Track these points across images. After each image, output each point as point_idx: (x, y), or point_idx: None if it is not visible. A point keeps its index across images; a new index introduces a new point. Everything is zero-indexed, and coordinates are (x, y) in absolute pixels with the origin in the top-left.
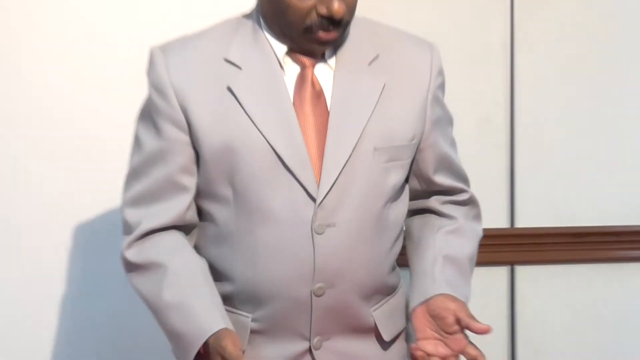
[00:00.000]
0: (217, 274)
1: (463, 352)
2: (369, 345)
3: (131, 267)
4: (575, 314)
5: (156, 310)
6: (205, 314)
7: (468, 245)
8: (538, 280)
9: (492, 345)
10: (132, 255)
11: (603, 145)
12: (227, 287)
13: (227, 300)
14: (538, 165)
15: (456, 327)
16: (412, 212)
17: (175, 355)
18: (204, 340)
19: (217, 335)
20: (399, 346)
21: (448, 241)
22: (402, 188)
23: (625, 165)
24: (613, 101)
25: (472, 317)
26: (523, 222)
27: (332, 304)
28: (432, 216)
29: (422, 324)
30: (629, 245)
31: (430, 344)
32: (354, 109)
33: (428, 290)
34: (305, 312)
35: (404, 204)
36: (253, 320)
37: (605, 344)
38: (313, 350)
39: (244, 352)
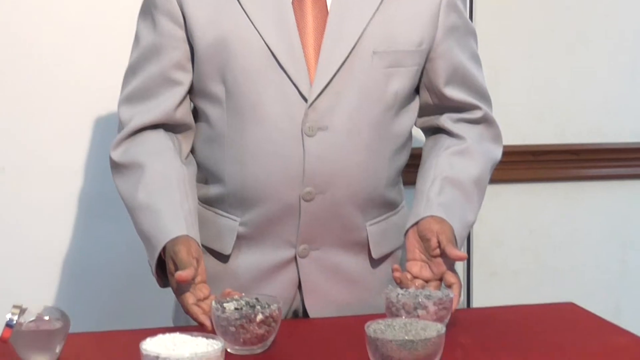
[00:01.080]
0: (210, 176)
1: (442, 277)
2: (358, 261)
3: (115, 166)
4: (532, 234)
5: (131, 210)
6: (169, 218)
7: (475, 168)
8: (494, 200)
9: None
10: (118, 155)
11: (562, 62)
12: (218, 189)
13: (218, 203)
14: (497, 84)
15: (438, 251)
16: (427, 132)
17: (147, 254)
18: (163, 244)
19: (175, 240)
20: (388, 267)
21: (452, 162)
22: (408, 98)
23: (584, 83)
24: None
25: (451, 242)
26: None
27: (322, 211)
28: (443, 136)
29: (412, 245)
30: (587, 163)
31: (416, 266)
32: (355, 10)
33: (420, 211)
34: (293, 217)
35: (410, 115)
36: (241, 224)
37: (560, 265)
38: (298, 258)
39: (197, 262)
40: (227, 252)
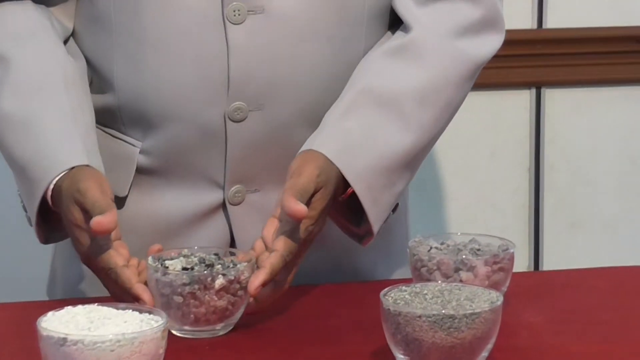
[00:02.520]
0: (97, 78)
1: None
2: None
3: None
4: (635, 165)
5: None
6: (58, 138)
7: (416, 75)
8: (576, 113)
9: (515, 194)
10: None
11: None
12: (109, 99)
13: (111, 119)
14: None
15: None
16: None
17: (20, 195)
18: (50, 180)
19: (74, 174)
20: None
21: (382, 67)
22: None
23: None
24: None
25: (298, 188)
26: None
27: (259, 137)
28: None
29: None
30: None
31: (271, 226)
32: None
33: (304, 145)
34: (216, 145)
35: None
36: (143, 152)
37: None
38: (228, 204)
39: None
40: (122, 193)
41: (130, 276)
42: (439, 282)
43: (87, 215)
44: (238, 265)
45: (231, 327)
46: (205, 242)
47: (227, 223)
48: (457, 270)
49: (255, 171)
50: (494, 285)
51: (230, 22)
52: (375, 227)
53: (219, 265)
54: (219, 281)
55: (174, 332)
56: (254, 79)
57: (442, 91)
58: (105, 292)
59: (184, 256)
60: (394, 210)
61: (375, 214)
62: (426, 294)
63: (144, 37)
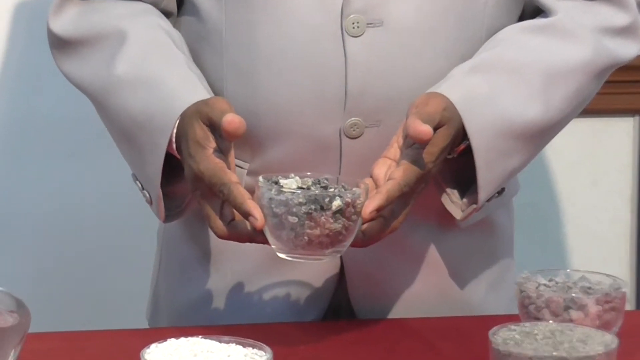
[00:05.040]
0: None
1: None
2: (429, 232)
3: (61, 43)
4: None
5: (102, 97)
6: (181, 84)
7: (553, 51)
8: None
9: (616, 224)
10: (63, 25)
11: None
12: None
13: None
14: None
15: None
16: None
17: (136, 171)
18: (179, 113)
19: (199, 102)
20: (481, 243)
21: (517, 39)
22: None
23: None
24: None
25: (420, 115)
26: None
27: (375, 153)
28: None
29: (396, 136)
30: None
31: (383, 165)
32: None
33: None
34: (330, 163)
35: (512, 3)
36: (250, 173)
37: None
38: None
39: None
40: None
41: (243, 192)
42: (550, 321)
43: (212, 128)
44: (354, 189)
45: (338, 255)
46: (315, 271)
47: None
48: (567, 308)
49: None
50: (605, 325)
51: (349, 34)
52: (482, 195)
53: (334, 188)
54: (337, 202)
55: (281, 255)
56: (371, 93)
57: (576, 76)
58: (209, 321)
59: (297, 176)
60: (499, 192)
61: (485, 179)
62: (537, 334)
63: (257, 53)
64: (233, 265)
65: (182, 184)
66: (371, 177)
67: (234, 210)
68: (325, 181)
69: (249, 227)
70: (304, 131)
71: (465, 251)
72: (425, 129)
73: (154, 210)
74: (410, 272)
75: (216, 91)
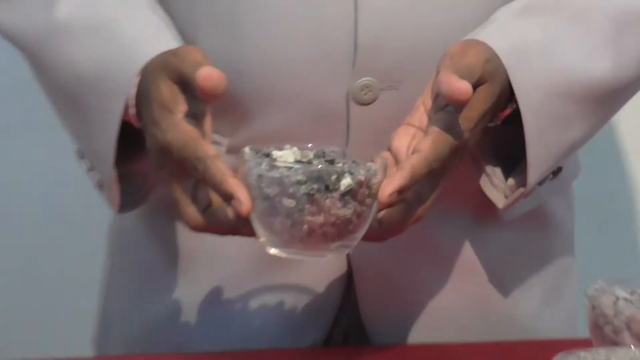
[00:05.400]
0: None
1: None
2: (460, 226)
3: None
4: None
5: (39, 49)
6: (141, 30)
7: None
8: None
9: None
10: None
11: None
12: None
13: None
14: None
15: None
16: None
17: (81, 146)
18: (140, 67)
19: (166, 52)
20: (527, 243)
21: None
22: None
23: None
24: None
25: (456, 68)
26: None
27: (393, 126)
28: None
29: (422, 97)
30: None
31: (405, 135)
32: None
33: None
34: (334, 137)
35: None
36: (230, 150)
37: None
38: None
39: None
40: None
41: (223, 168)
42: (632, 347)
43: (183, 87)
44: (369, 164)
45: (346, 251)
46: (316, 275)
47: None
48: None
49: None
50: None
51: None
52: (533, 174)
53: (342, 164)
54: (346, 181)
55: (273, 251)
56: (388, 47)
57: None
58: (178, 345)
59: (290, 149)
60: (555, 173)
61: (537, 153)
62: None
63: (240, 2)
64: (209, 271)
65: (142, 160)
66: (389, 150)
67: (212, 193)
68: (332, 154)
69: (230, 215)
70: (301, 96)
71: (511, 251)
72: (464, 86)
73: (105, 197)
74: (439, 279)
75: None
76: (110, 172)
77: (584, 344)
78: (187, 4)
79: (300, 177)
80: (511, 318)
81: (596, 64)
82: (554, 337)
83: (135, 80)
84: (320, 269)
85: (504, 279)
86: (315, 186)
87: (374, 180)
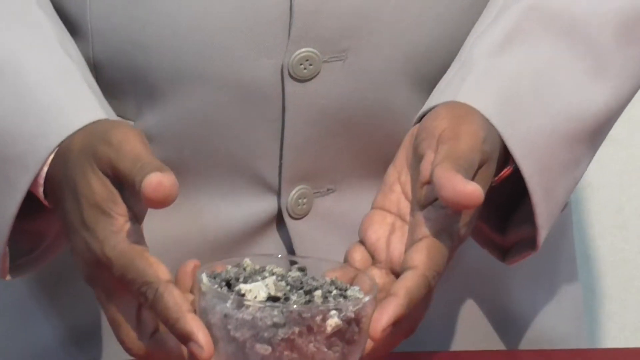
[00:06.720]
0: (72, 23)
1: None
2: None
3: None
4: None
5: None
6: (54, 85)
7: None
8: None
9: None
10: None
11: None
12: (84, 50)
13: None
14: None
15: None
16: None
17: None
18: (55, 144)
19: (92, 129)
20: None
21: None
22: None
23: None
24: None
25: (456, 158)
26: None
27: (338, 105)
28: None
29: (394, 170)
30: None
31: (376, 222)
32: None
33: (439, 89)
34: (266, 121)
35: None
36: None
37: None
38: (286, 217)
39: None
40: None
41: (179, 298)
42: None
43: (121, 182)
44: (355, 291)
45: None
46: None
47: (282, 241)
48: None
49: (328, 160)
50: None
51: None
52: (543, 232)
53: (321, 290)
54: (333, 321)
55: None
56: (331, 11)
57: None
58: None
59: (264, 272)
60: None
61: (545, 210)
62: None
63: None
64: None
65: (41, 219)
66: (362, 242)
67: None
68: (303, 278)
69: (185, 352)
70: (222, 72)
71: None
72: (475, 192)
73: None
74: (448, 285)
75: (77, 12)
76: (5, 232)
77: (592, 353)
78: None
79: (277, 320)
80: (510, 315)
81: (597, 89)
82: (558, 338)
83: (49, 159)
84: None
85: (506, 280)
86: (297, 329)
87: (364, 314)
